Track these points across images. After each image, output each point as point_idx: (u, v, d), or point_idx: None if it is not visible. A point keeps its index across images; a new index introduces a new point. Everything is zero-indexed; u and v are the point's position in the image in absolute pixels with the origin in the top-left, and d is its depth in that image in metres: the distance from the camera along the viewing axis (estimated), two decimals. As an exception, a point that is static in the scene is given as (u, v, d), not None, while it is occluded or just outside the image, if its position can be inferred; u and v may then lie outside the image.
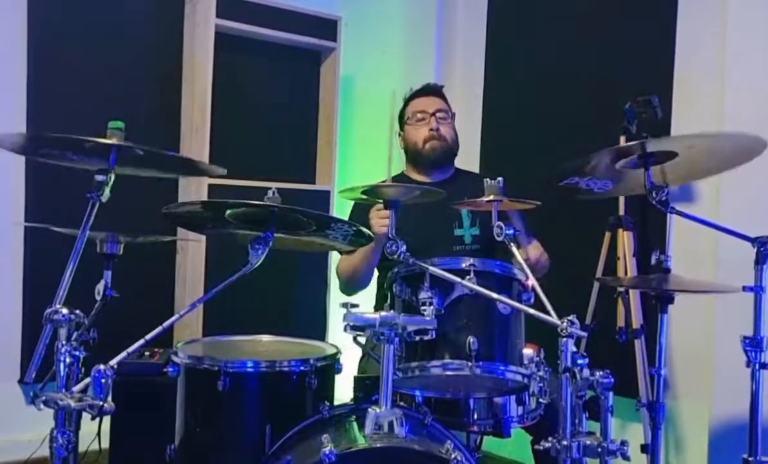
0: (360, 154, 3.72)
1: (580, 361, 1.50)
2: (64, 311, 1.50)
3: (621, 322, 2.58)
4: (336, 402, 1.89)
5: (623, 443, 1.51)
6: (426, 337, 1.65)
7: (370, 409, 1.59)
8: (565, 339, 1.51)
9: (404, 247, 1.71)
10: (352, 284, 2.46)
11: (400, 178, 2.62)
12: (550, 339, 1.57)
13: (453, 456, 1.52)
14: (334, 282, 3.37)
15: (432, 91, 2.67)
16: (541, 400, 1.75)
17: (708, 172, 2.07)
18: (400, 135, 2.66)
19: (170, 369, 1.88)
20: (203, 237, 2.94)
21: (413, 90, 2.69)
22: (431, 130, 2.55)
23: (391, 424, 1.56)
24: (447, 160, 2.61)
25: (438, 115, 2.58)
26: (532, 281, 1.78)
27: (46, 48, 2.94)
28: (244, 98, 3.27)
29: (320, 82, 3.46)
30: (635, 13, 2.91)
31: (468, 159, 3.05)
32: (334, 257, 3.35)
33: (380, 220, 2.20)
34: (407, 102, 2.67)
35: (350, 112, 3.66)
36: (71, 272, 1.53)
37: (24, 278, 2.92)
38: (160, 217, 1.74)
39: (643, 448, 2.30)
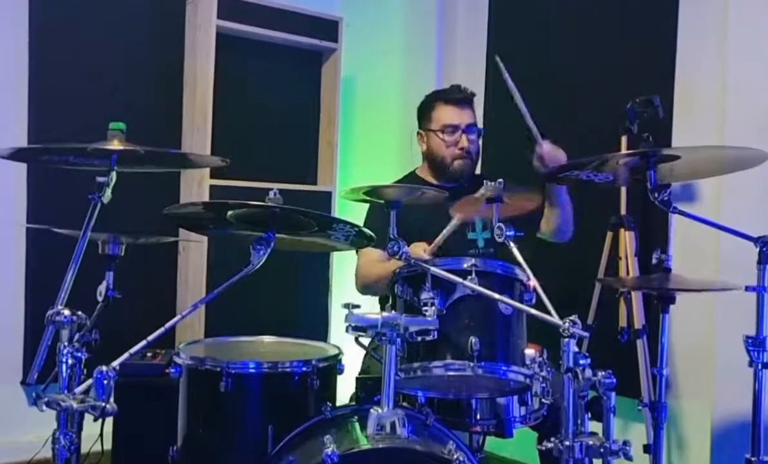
0: (361, 155, 3.72)
1: (582, 361, 1.50)
2: (66, 312, 1.50)
3: (623, 322, 2.58)
4: (338, 403, 1.89)
5: (625, 443, 1.51)
6: (428, 338, 1.64)
7: (372, 410, 1.59)
8: (567, 339, 1.51)
9: (405, 248, 1.71)
10: (373, 291, 2.42)
11: (410, 179, 2.61)
12: (552, 339, 1.57)
13: (455, 456, 1.52)
14: (335, 283, 3.38)
15: (466, 101, 2.55)
16: (543, 400, 1.75)
17: (710, 173, 2.07)
18: (420, 134, 2.60)
19: (172, 370, 1.88)
20: (205, 238, 2.94)
21: (445, 91, 2.59)
22: (461, 148, 2.49)
23: (393, 425, 1.57)
24: (470, 175, 2.56)
25: (470, 130, 2.51)
26: (533, 281, 1.78)
27: (48, 49, 2.95)
28: (245, 99, 3.27)
29: (321, 82, 3.46)
30: (636, 12, 2.91)
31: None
32: (336, 258, 3.36)
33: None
34: (435, 103, 2.55)
35: (351, 113, 3.66)
36: (73, 273, 1.53)
37: (26, 279, 2.93)
38: (162, 218, 1.74)
39: (646, 448, 2.29)
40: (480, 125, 2.69)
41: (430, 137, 2.55)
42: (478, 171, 2.82)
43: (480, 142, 2.60)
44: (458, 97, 2.55)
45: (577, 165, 1.82)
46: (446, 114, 2.52)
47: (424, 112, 2.59)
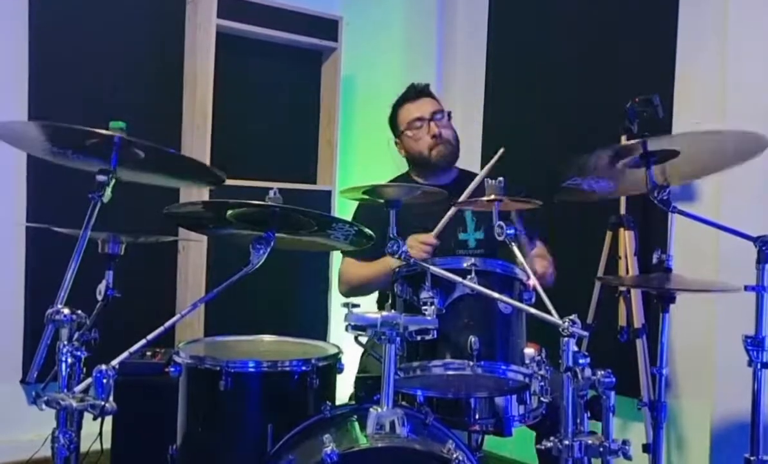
0: (361, 154, 3.72)
1: (581, 361, 1.50)
2: (66, 311, 1.50)
3: (622, 322, 2.58)
4: (337, 402, 1.89)
5: (625, 442, 1.51)
6: (427, 337, 1.65)
7: (371, 409, 1.59)
8: (566, 338, 1.51)
9: (405, 247, 1.71)
10: (356, 293, 2.44)
11: (403, 179, 2.62)
12: (552, 338, 1.57)
13: (454, 455, 1.51)
14: (335, 282, 3.38)
15: (421, 93, 2.60)
16: (542, 399, 1.75)
17: (709, 170, 2.07)
18: (396, 143, 2.64)
19: (172, 369, 1.88)
20: (204, 238, 2.94)
21: (402, 95, 2.63)
22: (434, 136, 2.52)
23: (392, 424, 1.57)
24: (453, 161, 2.60)
25: (436, 117, 2.54)
26: (533, 281, 1.78)
27: (47, 49, 2.95)
28: (246, 98, 3.27)
29: (321, 81, 3.47)
30: (636, 12, 2.91)
31: (468, 159, 3.05)
32: (336, 257, 3.36)
33: (422, 246, 2.21)
34: (397, 109, 2.62)
35: (351, 112, 3.66)
36: (73, 272, 1.53)
37: (26, 278, 2.93)
38: (162, 217, 1.74)
39: (645, 448, 2.30)
40: (480, 126, 2.69)
41: (404, 139, 2.60)
42: (477, 169, 2.82)
43: (452, 125, 2.60)
44: (413, 93, 2.61)
45: (563, 169, 1.82)
46: (408, 112, 2.58)
47: (392, 121, 2.65)
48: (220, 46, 3.07)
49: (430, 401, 1.84)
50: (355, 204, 2.45)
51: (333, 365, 1.94)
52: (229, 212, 1.68)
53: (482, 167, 3.14)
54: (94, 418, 1.50)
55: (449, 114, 2.60)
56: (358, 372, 2.29)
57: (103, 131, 1.54)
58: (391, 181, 2.56)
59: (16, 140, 1.74)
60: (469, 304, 1.75)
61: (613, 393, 1.53)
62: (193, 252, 3.09)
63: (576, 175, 1.85)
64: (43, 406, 1.45)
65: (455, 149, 2.58)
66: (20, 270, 2.92)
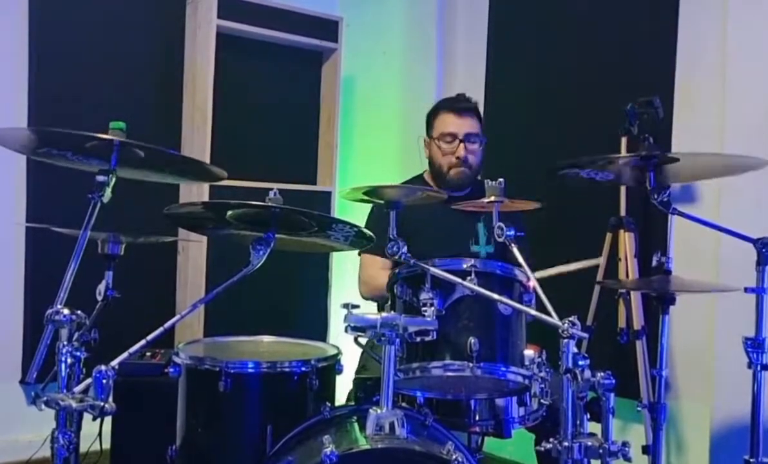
0: (361, 155, 3.72)
1: (581, 362, 1.50)
2: (66, 311, 1.50)
3: (622, 323, 2.58)
4: (337, 403, 1.89)
5: (624, 444, 1.51)
6: (427, 338, 1.64)
7: (371, 410, 1.59)
8: (566, 340, 1.51)
9: (405, 248, 1.71)
10: (377, 298, 2.44)
11: (417, 181, 2.61)
12: (552, 340, 1.57)
13: (454, 457, 1.51)
14: (335, 283, 3.38)
15: (466, 110, 2.54)
16: (542, 401, 1.75)
17: (709, 175, 2.08)
18: (425, 141, 2.60)
19: (171, 370, 1.87)
20: (204, 238, 2.94)
21: (448, 100, 2.61)
22: (458, 158, 2.49)
23: (392, 425, 1.56)
24: (467, 186, 2.54)
25: (468, 140, 2.49)
26: (533, 282, 1.78)
27: (48, 50, 2.95)
28: (246, 99, 3.27)
29: (321, 82, 3.47)
30: (636, 14, 2.91)
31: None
32: (336, 258, 3.36)
33: None
34: (438, 111, 2.57)
35: (351, 113, 3.66)
36: (72, 273, 1.53)
37: (25, 278, 2.93)
38: (162, 217, 1.74)
39: (645, 449, 2.30)
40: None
41: (431, 145, 2.57)
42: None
43: (481, 152, 2.55)
44: (459, 106, 2.56)
45: (577, 164, 1.82)
46: (445, 122, 2.53)
47: (429, 119, 2.61)
48: (221, 46, 3.07)
49: (429, 402, 1.84)
50: (364, 205, 2.43)
51: (332, 366, 1.94)
52: (229, 213, 1.68)
53: (483, 172, 3.14)
54: (94, 419, 1.50)
55: (482, 140, 2.54)
56: (357, 371, 2.29)
57: (102, 135, 1.53)
58: (405, 183, 2.55)
59: (14, 144, 1.74)
60: (468, 306, 1.75)
61: (612, 394, 1.53)
62: (192, 252, 3.09)
63: (576, 167, 1.86)
64: (43, 407, 1.45)
65: (473, 176, 2.54)
66: (20, 270, 2.92)
